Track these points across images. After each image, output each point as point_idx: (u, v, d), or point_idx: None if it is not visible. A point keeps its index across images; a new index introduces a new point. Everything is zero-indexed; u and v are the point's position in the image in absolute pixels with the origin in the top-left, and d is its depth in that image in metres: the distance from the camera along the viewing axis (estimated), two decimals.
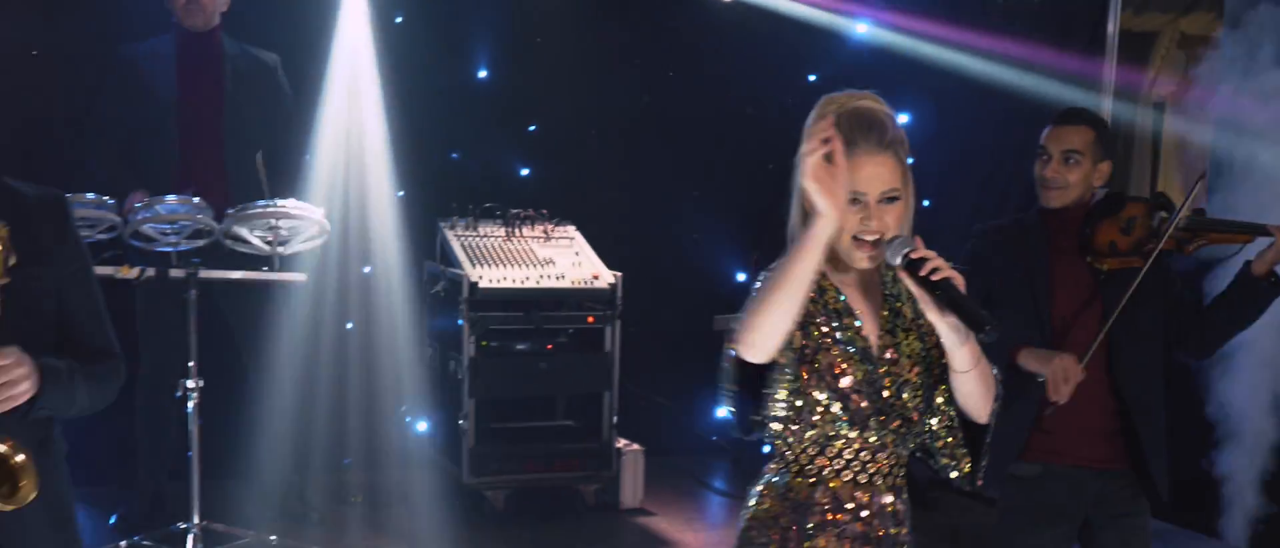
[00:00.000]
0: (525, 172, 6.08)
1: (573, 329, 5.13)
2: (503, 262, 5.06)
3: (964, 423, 2.38)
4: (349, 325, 5.67)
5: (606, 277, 5.09)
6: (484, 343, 4.95)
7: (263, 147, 4.83)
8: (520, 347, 5.03)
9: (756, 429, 2.34)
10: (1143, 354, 3.35)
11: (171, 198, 4.16)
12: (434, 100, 5.87)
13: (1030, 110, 5.16)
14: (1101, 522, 3.36)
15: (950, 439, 2.39)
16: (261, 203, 4.26)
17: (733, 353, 2.22)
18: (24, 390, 2.19)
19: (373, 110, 5.55)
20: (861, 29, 6.64)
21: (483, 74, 6.00)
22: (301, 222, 4.26)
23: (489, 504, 5.02)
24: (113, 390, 2.42)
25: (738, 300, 5.94)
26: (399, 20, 5.75)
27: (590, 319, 5.07)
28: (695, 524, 5.23)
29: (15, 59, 5.02)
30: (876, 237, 2.29)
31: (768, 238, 5.67)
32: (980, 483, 2.45)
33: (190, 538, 4.11)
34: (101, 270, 3.91)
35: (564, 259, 5.18)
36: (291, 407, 4.96)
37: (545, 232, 5.36)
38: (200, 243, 4.19)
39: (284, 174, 4.81)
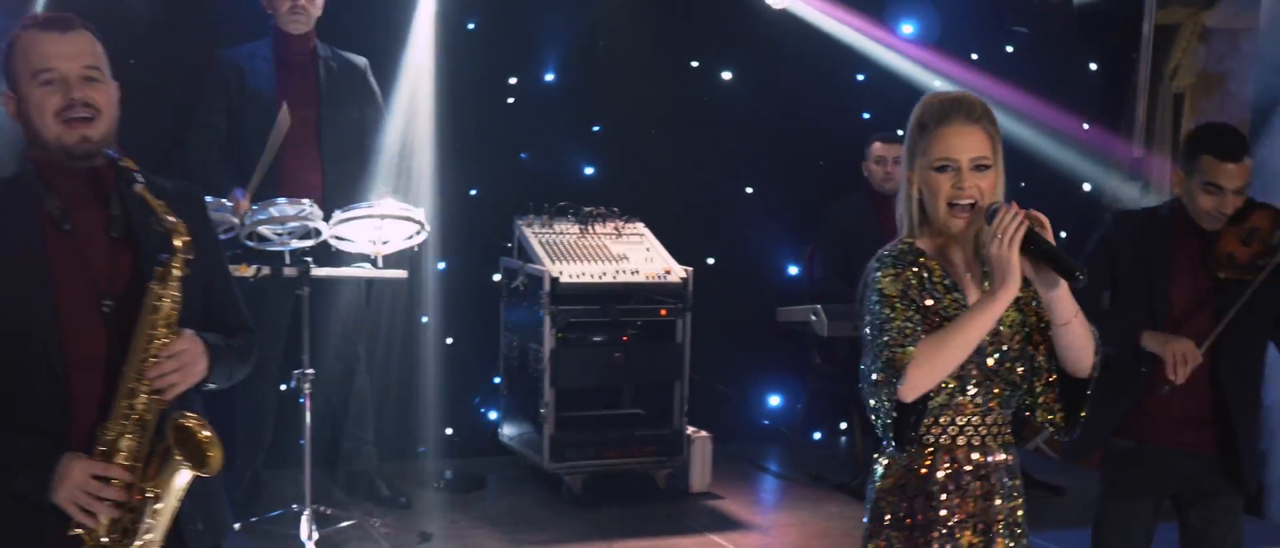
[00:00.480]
0: (590, 170, 6.33)
1: (645, 322, 5.37)
2: (579, 257, 5.31)
3: (1063, 378, 2.64)
4: (423, 319, 5.94)
5: (678, 271, 5.34)
6: (562, 335, 5.19)
7: (355, 147, 5.07)
8: (596, 339, 5.27)
9: (913, 440, 2.60)
10: (1246, 355, 3.61)
11: (283, 200, 4.41)
12: (503, 103, 6.13)
13: None
14: (1189, 500, 3.63)
15: (1049, 395, 2.66)
16: (364, 204, 4.51)
17: (896, 400, 2.50)
18: (201, 369, 2.46)
19: (445, 112, 5.81)
20: (907, 29, 6.91)
21: (550, 77, 6.25)
22: (403, 222, 4.51)
23: (568, 488, 5.28)
24: (252, 363, 2.68)
25: (792, 293, 6.24)
26: (471, 26, 6.01)
27: (663, 312, 5.32)
28: (759, 506, 5.49)
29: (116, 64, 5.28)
30: (970, 201, 2.56)
31: (822, 231, 5.98)
32: (1074, 433, 2.71)
33: (303, 520, 4.37)
34: None
35: (636, 254, 5.43)
36: (372, 397, 5.21)
37: (616, 228, 5.60)
38: (310, 242, 4.44)
39: (376, 175, 5.06)
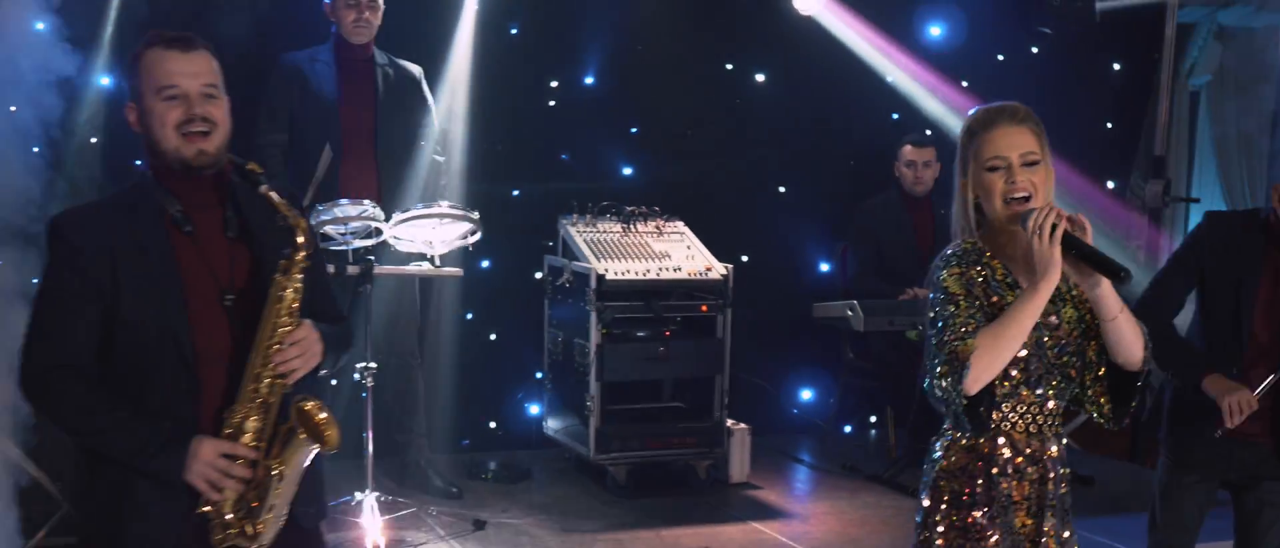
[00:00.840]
0: (628, 171, 6.51)
1: (686, 317, 5.54)
2: (623, 255, 5.49)
3: (1114, 371, 2.80)
4: (468, 316, 6.13)
5: (718, 269, 5.52)
6: (608, 331, 5.37)
7: (409, 150, 5.25)
8: (640, 334, 5.44)
9: (990, 427, 2.78)
10: None
11: (345, 201, 4.60)
12: (544, 105, 6.32)
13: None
14: (1245, 484, 3.80)
15: (1098, 389, 2.83)
16: (422, 205, 4.70)
17: (965, 393, 2.67)
18: (318, 354, 2.68)
19: (488, 115, 6.01)
20: (935, 31, 7.08)
21: (589, 80, 6.43)
22: (459, 222, 4.70)
23: (612, 478, 5.46)
24: (351, 349, 2.92)
25: (826, 290, 6.41)
26: (514, 32, 6.20)
27: (703, 308, 5.50)
28: (796, 495, 5.67)
29: None
30: (1025, 194, 2.73)
31: (854, 230, 6.15)
32: (1125, 423, 2.91)
33: (368, 505, 4.56)
34: None
35: (678, 252, 5.61)
36: (421, 390, 5.40)
37: (658, 227, 5.78)
38: (371, 242, 4.63)
39: (429, 176, 5.25)
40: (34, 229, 4.12)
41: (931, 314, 2.78)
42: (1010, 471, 2.79)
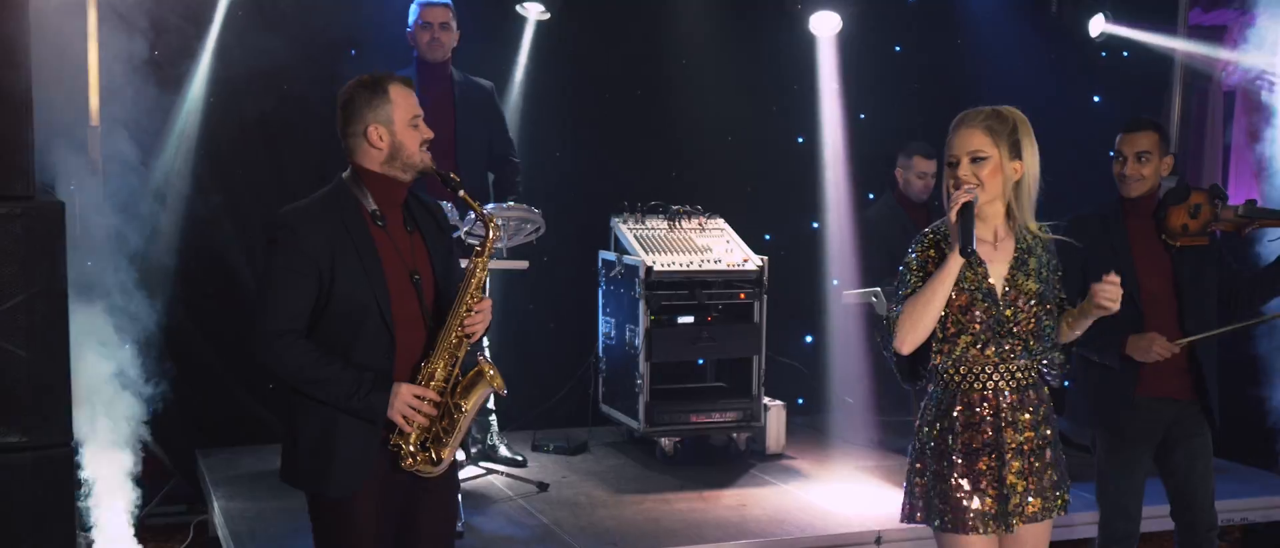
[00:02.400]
0: (675, 173, 7.14)
1: (726, 305, 6.15)
2: (669, 249, 6.11)
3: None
4: (530, 306, 6.79)
5: (754, 260, 6.12)
6: (655, 317, 5.99)
7: (483, 156, 5.90)
8: (683, 320, 6.05)
9: (920, 380, 3.39)
10: (1205, 311, 4.35)
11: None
12: (598, 116, 6.97)
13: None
14: (1173, 441, 4.36)
15: (1055, 354, 3.43)
16: (491, 205, 5.34)
17: (896, 353, 3.28)
18: (487, 324, 3.42)
19: (546, 124, 6.67)
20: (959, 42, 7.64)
21: (640, 91, 7.07)
22: (526, 220, 5.34)
23: (660, 449, 6.09)
24: None
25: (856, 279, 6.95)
26: (572, 49, 6.85)
27: (742, 296, 6.10)
28: (827, 464, 6.22)
29: (280, 96, 6.23)
30: (968, 185, 3.26)
31: (862, 239, 6.69)
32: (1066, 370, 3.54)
33: None
34: None
35: (718, 246, 6.22)
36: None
37: (700, 224, 6.40)
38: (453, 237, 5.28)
39: (503, 180, 5.90)
40: None
41: (895, 282, 3.39)
42: (972, 421, 3.34)
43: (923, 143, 6.56)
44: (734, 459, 6.17)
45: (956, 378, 3.35)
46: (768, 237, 7.18)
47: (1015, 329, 3.34)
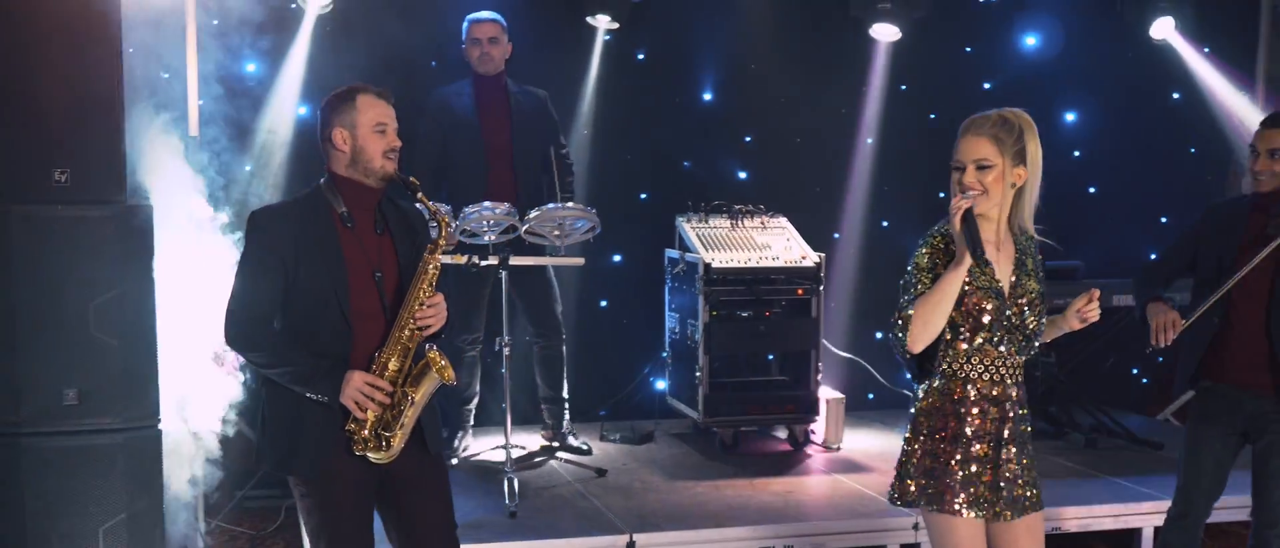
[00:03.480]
0: (743, 174, 7.37)
1: (785, 300, 6.35)
2: (729, 247, 6.35)
3: None
4: (603, 303, 7.10)
5: (812, 257, 6.32)
6: (714, 312, 6.23)
7: (541, 160, 6.21)
8: (743, 314, 6.28)
9: (930, 378, 3.54)
10: None
11: (488, 203, 5.58)
12: (668, 119, 7.23)
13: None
14: (1255, 435, 4.38)
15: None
16: (552, 205, 5.65)
17: (904, 352, 3.44)
18: (444, 317, 3.67)
19: (618, 130, 6.97)
20: (1030, 41, 7.70)
21: (707, 96, 7.32)
22: (582, 219, 5.63)
23: (719, 440, 6.34)
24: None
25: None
26: (640, 57, 7.14)
27: (799, 291, 6.30)
28: (882, 457, 6.35)
29: None
30: (974, 192, 3.42)
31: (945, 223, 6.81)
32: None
33: (505, 455, 5.53)
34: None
35: (778, 244, 6.43)
36: (564, 363, 6.33)
37: (763, 222, 6.62)
38: (509, 237, 5.61)
39: (559, 182, 6.21)
40: None
41: (902, 280, 3.54)
42: (974, 411, 3.50)
43: None
44: (790, 450, 6.38)
45: (965, 369, 3.50)
46: (836, 236, 7.36)
47: (1023, 325, 3.50)
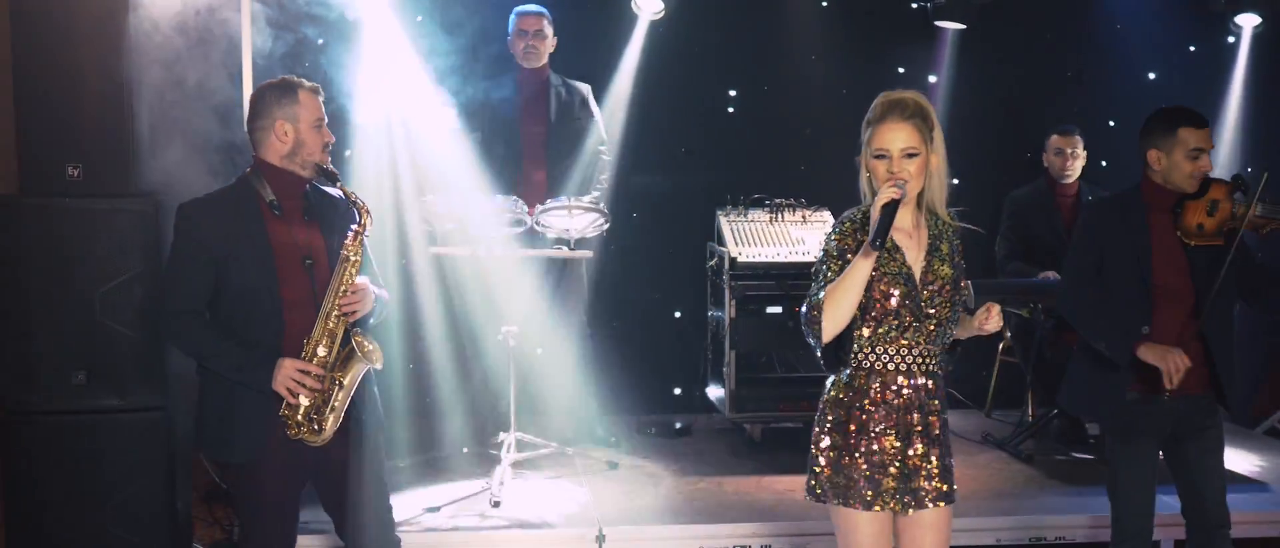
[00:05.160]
0: (803, 167, 7.23)
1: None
2: (762, 242, 6.25)
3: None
4: (656, 295, 7.09)
5: None
6: (740, 307, 6.12)
7: (576, 153, 6.23)
8: (771, 310, 6.15)
9: (844, 367, 3.45)
10: (1221, 308, 4.17)
11: (500, 196, 5.66)
12: (710, 115, 7.17)
13: None
14: (1183, 434, 4.20)
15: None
16: (559, 198, 5.68)
17: (818, 342, 3.35)
18: (370, 304, 3.78)
19: (663, 121, 6.94)
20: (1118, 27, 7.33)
21: (765, 88, 7.22)
22: (588, 213, 5.65)
23: (747, 435, 6.26)
24: (387, 312, 4.00)
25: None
26: (690, 44, 7.09)
27: None
28: None
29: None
30: (903, 180, 3.33)
31: (1004, 216, 6.53)
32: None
33: (508, 442, 5.61)
34: (437, 251, 5.53)
35: (813, 238, 6.29)
36: (589, 357, 6.35)
37: (803, 216, 6.48)
38: (520, 230, 5.67)
39: (594, 176, 6.24)
40: None
41: (813, 268, 3.46)
42: (881, 401, 3.39)
43: (1063, 122, 6.51)
44: None
45: (871, 358, 3.41)
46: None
47: (932, 313, 3.38)
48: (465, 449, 6.00)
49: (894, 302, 3.35)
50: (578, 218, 5.64)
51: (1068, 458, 6.11)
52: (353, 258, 3.73)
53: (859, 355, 3.41)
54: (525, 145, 6.15)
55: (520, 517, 5.06)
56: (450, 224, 5.58)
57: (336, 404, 3.71)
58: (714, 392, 6.64)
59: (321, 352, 3.71)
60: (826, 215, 6.49)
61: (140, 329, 4.78)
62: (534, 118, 6.19)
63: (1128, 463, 4.24)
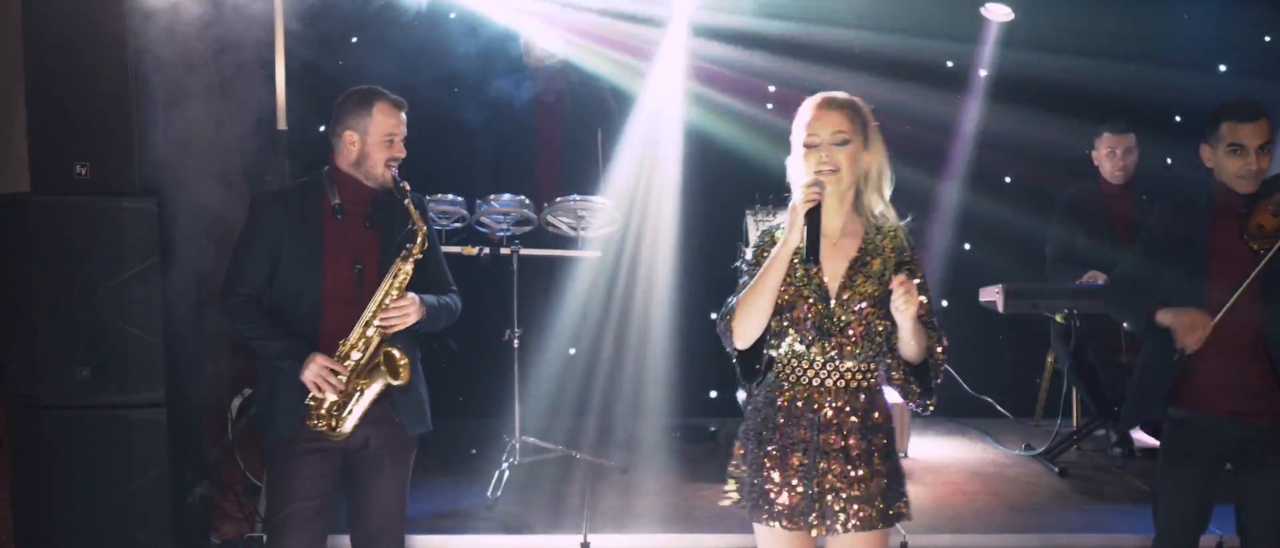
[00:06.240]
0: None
1: None
2: None
3: (909, 364, 3.19)
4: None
5: None
6: None
7: (594, 154, 6.16)
8: None
9: (759, 378, 3.30)
10: None
11: (507, 195, 5.61)
12: (734, 114, 6.97)
13: None
14: (1243, 467, 3.80)
15: (899, 375, 3.22)
16: (569, 196, 5.60)
17: (733, 347, 3.21)
18: (413, 318, 3.82)
19: (685, 125, 6.82)
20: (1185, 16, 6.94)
21: (772, 89, 7.02)
22: (598, 211, 5.56)
23: None
24: (456, 315, 4.04)
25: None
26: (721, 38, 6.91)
27: None
28: (933, 467, 5.93)
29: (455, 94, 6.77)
30: (832, 167, 3.16)
31: (1055, 215, 6.21)
32: (931, 409, 3.28)
33: (514, 446, 5.56)
34: (450, 250, 5.47)
35: None
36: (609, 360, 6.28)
37: None
38: (526, 229, 5.61)
39: (606, 173, 6.17)
40: None
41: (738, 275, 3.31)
42: (793, 417, 3.22)
43: (1116, 120, 6.22)
44: None
45: (785, 371, 3.25)
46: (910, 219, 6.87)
47: (847, 330, 3.19)
48: (474, 451, 5.95)
49: (805, 314, 3.18)
50: (588, 217, 5.55)
51: (1119, 469, 5.83)
52: (402, 274, 3.79)
53: (775, 369, 3.25)
54: (539, 144, 6.14)
55: (510, 522, 4.98)
56: (456, 222, 5.55)
57: (355, 408, 3.80)
58: (743, 395, 6.48)
59: (356, 356, 3.79)
60: None
61: (143, 326, 4.83)
62: (550, 117, 6.15)
63: (1169, 487, 3.90)
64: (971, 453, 6.25)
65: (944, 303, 6.98)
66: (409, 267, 3.79)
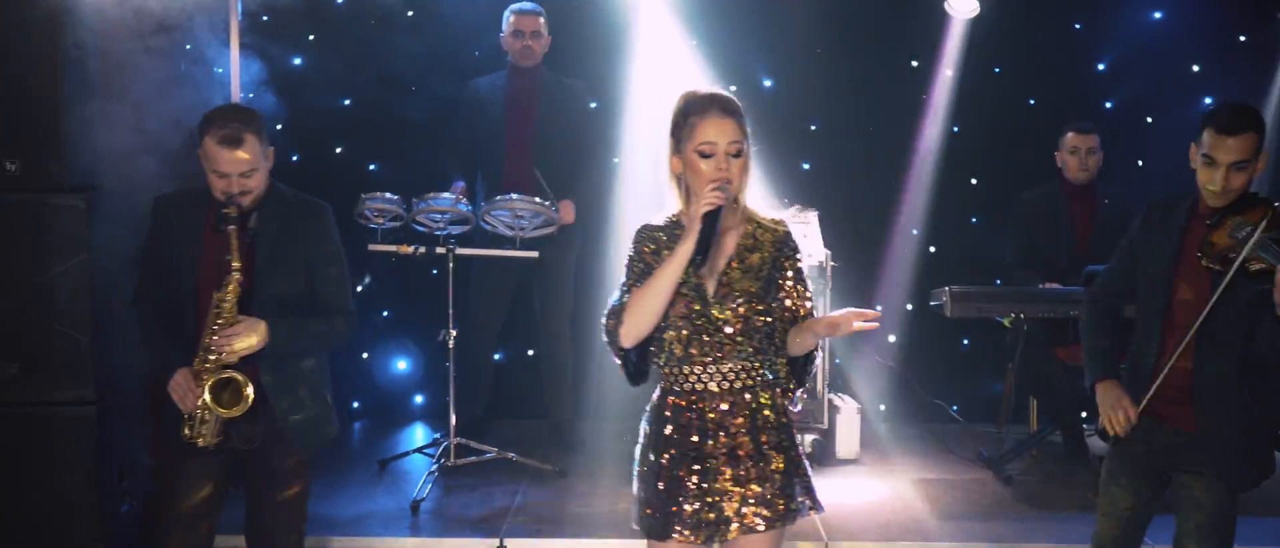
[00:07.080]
0: (806, 165, 6.91)
1: None
2: None
3: (793, 358, 3.16)
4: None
5: (819, 257, 5.85)
6: None
7: (568, 152, 6.04)
8: None
9: (645, 380, 3.24)
10: (1224, 343, 3.57)
11: (446, 195, 5.53)
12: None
13: None
14: (1173, 471, 3.69)
15: (784, 373, 3.18)
16: (501, 196, 5.52)
17: (619, 347, 3.14)
18: (248, 345, 3.75)
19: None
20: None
21: (767, 83, 6.92)
22: (533, 213, 5.48)
23: None
24: (340, 336, 3.97)
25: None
26: (694, 40, 6.84)
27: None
28: (889, 473, 5.81)
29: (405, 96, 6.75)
30: (727, 180, 3.09)
31: (1014, 219, 6.09)
32: (802, 402, 3.21)
33: (449, 447, 5.49)
34: (384, 248, 5.42)
35: (802, 241, 5.97)
36: (568, 364, 6.18)
37: (790, 218, 6.16)
38: (465, 228, 5.54)
39: (588, 175, 6.08)
40: None
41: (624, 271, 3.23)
42: (682, 423, 3.17)
43: (1082, 120, 6.09)
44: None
45: (669, 375, 3.19)
46: (914, 231, 6.80)
47: (726, 328, 3.12)
48: (407, 452, 5.87)
49: (681, 312, 3.12)
50: (526, 218, 5.48)
51: (1062, 479, 5.71)
52: (225, 307, 3.74)
53: (662, 371, 3.18)
54: (511, 145, 6.01)
55: (433, 524, 4.92)
56: (392, 221, 5.49)
57: (208, 424, 3.77)
58: None
59: (205, 379, 3.76)
60: (812, 217, 6.18)
61: (72, 323, 4.81)
62: (522, 117, 6.04)
63: (1106, 475, 3.82)
64: (922, 460, 6.13)
65: (908, 306, 6.87)
66: (231, 294, 3.73)
